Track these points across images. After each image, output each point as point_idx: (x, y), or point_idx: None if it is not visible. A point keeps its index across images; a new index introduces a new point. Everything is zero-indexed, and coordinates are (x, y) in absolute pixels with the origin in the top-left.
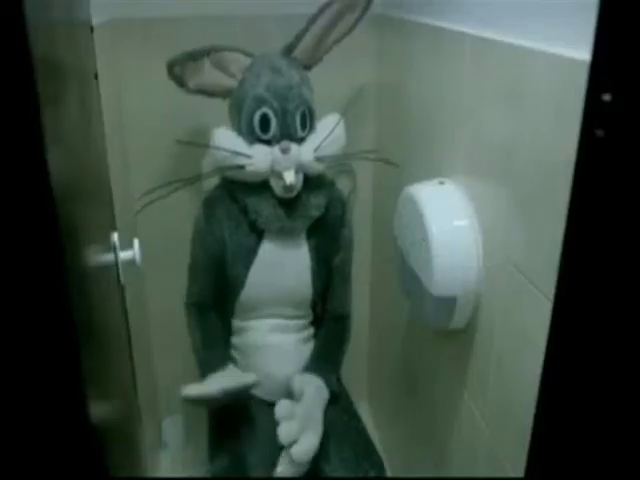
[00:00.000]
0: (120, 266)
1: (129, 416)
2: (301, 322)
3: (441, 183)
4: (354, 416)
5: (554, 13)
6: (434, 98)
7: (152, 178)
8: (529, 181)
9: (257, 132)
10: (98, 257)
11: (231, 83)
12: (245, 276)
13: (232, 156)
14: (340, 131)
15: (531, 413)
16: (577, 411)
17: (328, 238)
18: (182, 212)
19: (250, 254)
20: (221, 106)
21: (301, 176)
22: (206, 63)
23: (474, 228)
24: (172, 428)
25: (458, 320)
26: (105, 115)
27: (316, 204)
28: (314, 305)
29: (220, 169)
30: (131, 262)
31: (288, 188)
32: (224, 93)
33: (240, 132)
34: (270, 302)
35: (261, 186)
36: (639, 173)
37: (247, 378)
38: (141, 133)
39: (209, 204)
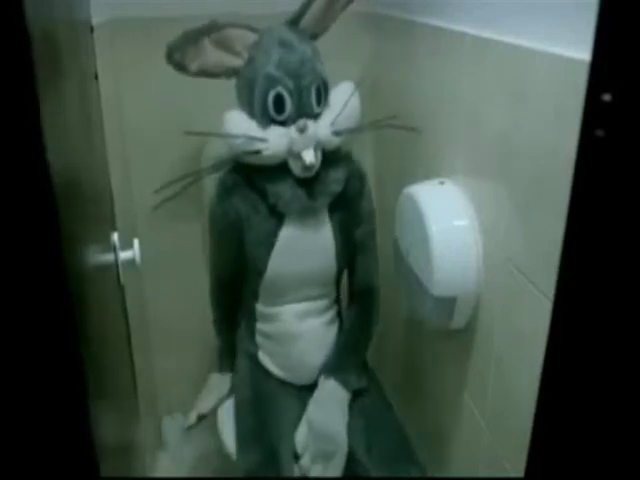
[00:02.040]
0: (120, 266)
1: (129, 416)
2: (326, 301)
3: (441, 183)
4: (388, 408)
5: (554, 13)
6: (434, 98)
7: (152, 178)
8: (529, 181)
9: (271, 113)
10: (98, 257)
11: (236, 62)
12: (267, 260)
13: (246, 141)
14: (355, 101)
15: (531, 413)
16: (577, 411)
17: (349, 212)
18: (182, 212)
19: (271, 237)
20: (222, 105)
21: (320, 153)
22: (206, 43)
23: (474, 228)
24: (172, 428)
25: (458, 320)
26: (105, 115)
27: (336, 179)
28: (338, 281)
29: (235, 156)
30: (131, 262)
31: (308, 168)
32: (228, 73)
33: (252, 114)
34: (294, 284)
35: (278, 168)
36: (639, 173)
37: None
38: (141, 132)
39: (223, 187)
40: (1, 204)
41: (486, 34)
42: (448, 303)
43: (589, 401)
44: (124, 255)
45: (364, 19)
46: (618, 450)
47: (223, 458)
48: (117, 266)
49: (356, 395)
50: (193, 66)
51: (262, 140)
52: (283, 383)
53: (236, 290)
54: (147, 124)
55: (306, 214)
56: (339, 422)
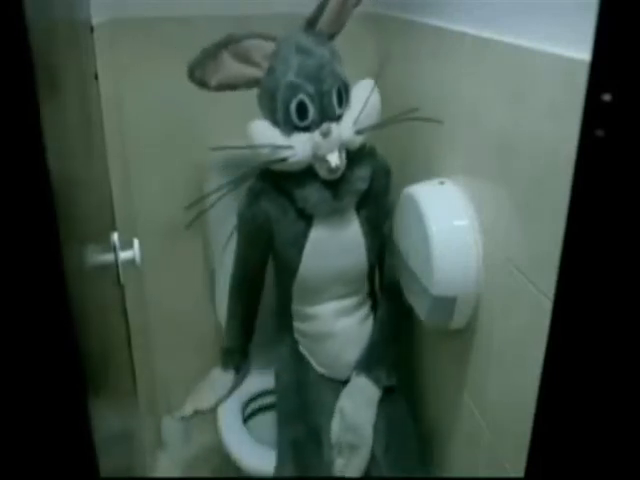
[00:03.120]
0: (120, 266)
1: (129, 415)
2: (360, 297)
3: (441, 183)
4: (410, 413)
5: (554, 13)
6: (434, 98)
7: (152, 178)
8: (529, 181)
9: (295, 121)
10: (98, 257)
11: (256, 72)
12: (298, 261)
13: (272, 150)
14: (376, 97)
15: (531, 413)
16: (577, 411)
17: (377, 207)
18: (182, 212)
19: (300, 239)
20: (223, 104)
21: (344, 154)
22: (225, 56)
23: (474, 228)
24: (172, 428)
25: (458, 320)
26: (105, 115)
27: (361, 177)
28: (371, 277)
29: (262, 164)
30: (131, 262)
31: (334, 170)
32: (249, 84)
33: (275, 122)
34: (327, 283)
35: (304, 171)
36: (639, 173)
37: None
38: (141, 133)
39: (251, 193)
40: (1, 204)
41: (486, 34)
42: (448, 303)
43: (589, 401)
44: (124, 255)
45: (364, 20)
46: (618, 450)
47: (223, 458)
48: (117, 266)
49: (386, 393)
50: (214, 81)
51: (288, 148)
52: (323, 378)
53: (256, 292)
54: (147, 124)
55: (334, 215)
56: (366, 418)
